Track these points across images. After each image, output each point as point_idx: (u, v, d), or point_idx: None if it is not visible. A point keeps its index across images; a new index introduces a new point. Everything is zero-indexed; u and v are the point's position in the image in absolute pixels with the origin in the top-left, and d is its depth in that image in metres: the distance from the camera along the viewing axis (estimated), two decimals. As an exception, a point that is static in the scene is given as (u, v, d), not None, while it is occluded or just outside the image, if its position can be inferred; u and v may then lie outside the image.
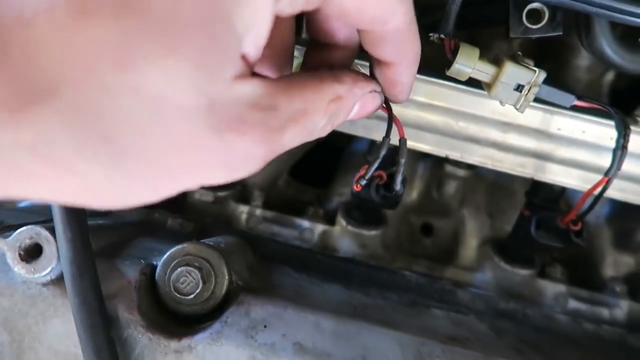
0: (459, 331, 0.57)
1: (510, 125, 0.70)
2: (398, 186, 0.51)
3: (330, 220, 0.83)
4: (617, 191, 0.70)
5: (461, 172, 0.83)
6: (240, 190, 0.85)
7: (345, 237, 0.81)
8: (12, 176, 0.23)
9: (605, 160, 0.60)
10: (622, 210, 0.86)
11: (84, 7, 0.22)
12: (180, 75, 0.24)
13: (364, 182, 0.52)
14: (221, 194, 0.81)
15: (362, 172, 0.52)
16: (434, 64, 0.69)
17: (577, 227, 0.68)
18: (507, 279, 0.80)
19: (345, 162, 0.90)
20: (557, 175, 0.70)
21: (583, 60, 0.84)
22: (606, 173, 0.60)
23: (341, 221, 0.81)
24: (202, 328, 0.51)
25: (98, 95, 0.22)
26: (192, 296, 0.51)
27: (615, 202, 0.86)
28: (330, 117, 0.33)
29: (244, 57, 0.27)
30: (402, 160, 0.48)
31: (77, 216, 0.47)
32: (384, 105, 0.43)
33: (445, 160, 0.82)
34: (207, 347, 0.49)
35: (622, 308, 0.80)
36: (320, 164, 0.91)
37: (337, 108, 0.33)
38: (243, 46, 0.27)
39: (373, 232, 0.81)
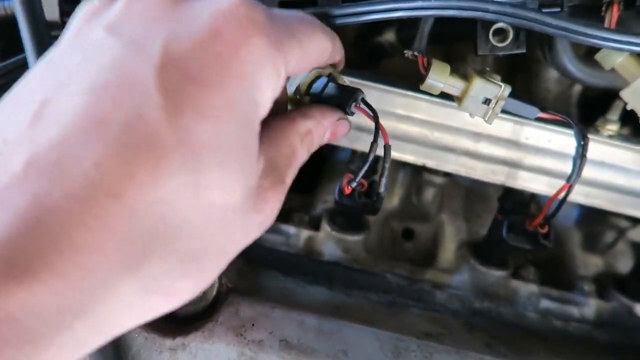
0: (434, 328, 0.62)
1: (481, 135, 0.74)
2: (382, 188, 0.55)
3: (315, 226, 0.87)
4: (582, 196, 0.75)
5: (438, 180, 0.88)
6: (229, 198, 0.89)
7: (329, 242, 0.85)
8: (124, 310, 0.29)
9: (570, 167, 0.65)
10: (590, 214, 0.91)
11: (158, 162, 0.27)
12: (232, 187, 0.29)
13: (354, 184, 0.56)
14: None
15: (348, 177, 0.56)
16: (412, 78, 0.74)
17: (545, 230, 0.72)
18: (483, 280, 0.84)
19: (329, 171, 0.94)
20: (526, 182, 0.75)
21: (552, 73, 0.89)
22: (568, 179, 0.65)
23: (325, 227, 0.85)
24: (195, 327, 0.54)
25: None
26: (185, 298, 0.55)
27: (584, 207, 0.91)
28: (307, 148, 0.39)
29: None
30: (387, 165, 0.53)
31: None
32: (371, 114, 0.47)
33: (423, 168, 0.86)
34: (199, 345, 0.53)
35: (591, 306, 0.85)
36: (305, 172, 0.95)
37: (310, 140, 0.39)
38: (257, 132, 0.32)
39: (356, 237, 0.85)
